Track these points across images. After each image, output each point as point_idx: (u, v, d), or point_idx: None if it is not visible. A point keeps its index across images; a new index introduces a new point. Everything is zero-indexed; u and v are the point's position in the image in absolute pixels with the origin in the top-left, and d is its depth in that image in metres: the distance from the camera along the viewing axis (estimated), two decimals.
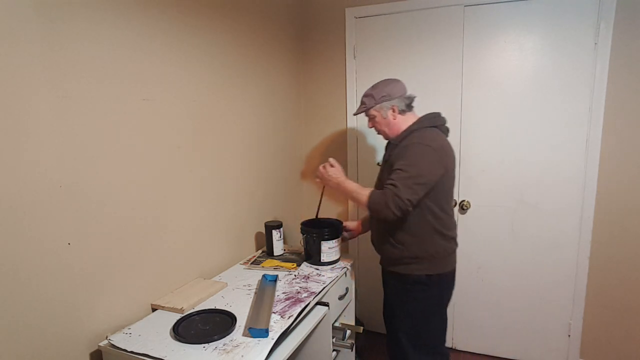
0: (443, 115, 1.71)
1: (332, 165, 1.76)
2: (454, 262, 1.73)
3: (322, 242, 1.87)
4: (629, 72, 1.98)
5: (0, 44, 1.03)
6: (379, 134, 1.76)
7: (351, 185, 1.67)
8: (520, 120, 2.19)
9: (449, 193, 1.68)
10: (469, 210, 2.38)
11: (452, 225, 1.71)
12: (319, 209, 2.02)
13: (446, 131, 1.72)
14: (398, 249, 1.67)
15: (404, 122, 1.67)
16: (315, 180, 1.72)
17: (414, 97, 1.71)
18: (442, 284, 1.70)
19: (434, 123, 1.66)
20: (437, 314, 1.74)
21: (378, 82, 1.71)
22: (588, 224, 2.16)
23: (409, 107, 1.69)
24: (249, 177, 2.11)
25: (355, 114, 1.79)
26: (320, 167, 1.78)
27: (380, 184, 1.67)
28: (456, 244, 1.73)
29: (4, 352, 1.09)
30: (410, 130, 1.63)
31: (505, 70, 2.18)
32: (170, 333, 1.34)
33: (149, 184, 1.51)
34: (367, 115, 1.73)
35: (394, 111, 1.66)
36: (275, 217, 2.38)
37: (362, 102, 1.72)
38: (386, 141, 1.79)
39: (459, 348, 2.56)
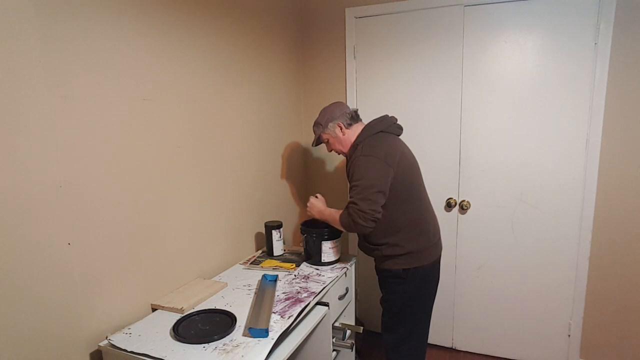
0: (390, 115, 1.83)
1: (316, 197, 1.92)
2: (433, 255, 1.78)
3: (322, 242, 1.88)
4: (629, 72, 1.98)
5: (0, 44, 1.04)
6: (339, 154, 1.89)
7: (329, 212, 1.80)
8: (520, 120, 2.19)
9: (414, 188, 1.73)
10: (469, 210, 2.38)
11: (428, 220, 1.76)
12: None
13: (396, 130, 1.81)
14: (378, 250, 1.76)
15: (353, 134, 1.79)
16: (307, 212, 1.92)
17: (356, 109, 1.85)
18: (419, 277, 1.75)
19: (379, 128, 1.75)
20: (417, 306, 1.78)
21: (321, 111, 1.87)
22: (588, 224, 2.16)
23: (354, 119, 1.82)
24: (249, 177, 2.12)
25: (313, 146, 1.94)
26: (310, 198, 1.92)
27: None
28: (434, 237, 1.78)
29: (4, 352, 1.09)
30: (355, 144, 1.75)
31: (506, 70, 2.18)
32: (170, 333, 1.34)
33: (149, 184, 1.51)
34: (322, 141, 1.89)
35: (341, 128, 1.79)
36: (275, 218, 2.38)
37: (314, 132, 1.89)
38: None
39: (459, 348, 2.56)
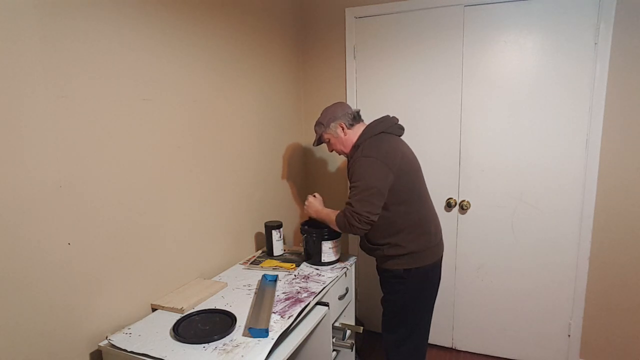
0: (392, 116, 1.82)
1: (314, 196, 1.92)
2: (435, 255, 1.78)
3: (322, 242, 1.88)
4: (629, 72, 1.98)
5: (0, 43, 1.04)
6: (340, 154, 1.89)
7: (325, 212, 1.81)
8: (520, 120, 2.19)
9: (415, 189, 1.73)
10: (469, 210, 2.38)
11: (429, 220, 1.76)
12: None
13: (397, 130, 1.80)
14: (379, 250, 1.76)
15: (355, 134, 1.79)
16: (304, 211, 1.94)
17: (358, 110, 1.86)
18: (420, 278, 1.75)
19: (380, 129, 1.75)
20: (418, 306, 1.79)
21: (323, 111, 1.87)
22: (588, 224, 2.16)
23: (356, 119, 1.82)
24: (248, 177, 2.12)
25: (314, 145, 1.92)
26: (308, 197, 1.93)
27: None
28: (436, 237, 1.78)
29: (5, 352, 1.09)
30: (357, 145, 1.75)
31: (505, 70, 2.18)
32: (170, 333, 1.34)
33: (149, 184, 1.51)
34: (323, 141, 1.89)
35: (342, 128, 1.79)
36: (275, 218, 2.38)
37: (315, 132, 1.88)
38: None
39: (459, 348, 2.56)
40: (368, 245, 1.81)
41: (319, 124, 1.85)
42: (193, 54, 1.68)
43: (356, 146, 1.75)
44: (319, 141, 1.89)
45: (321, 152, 2.70)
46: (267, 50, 2.22)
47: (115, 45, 1.34)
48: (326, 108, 1.85)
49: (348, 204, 1.64)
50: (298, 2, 2.53)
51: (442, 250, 1.83)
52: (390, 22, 2.36)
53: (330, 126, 1.80)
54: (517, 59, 2.15)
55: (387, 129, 1.75)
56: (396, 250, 1.71)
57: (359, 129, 1.78)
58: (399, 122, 1.82)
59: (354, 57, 2.48)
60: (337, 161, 2.67)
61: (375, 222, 1.63)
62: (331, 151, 1.90)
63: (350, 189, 1.66)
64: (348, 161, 1.81)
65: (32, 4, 1.10)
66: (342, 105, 1.84)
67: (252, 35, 2.07)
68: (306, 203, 1.91)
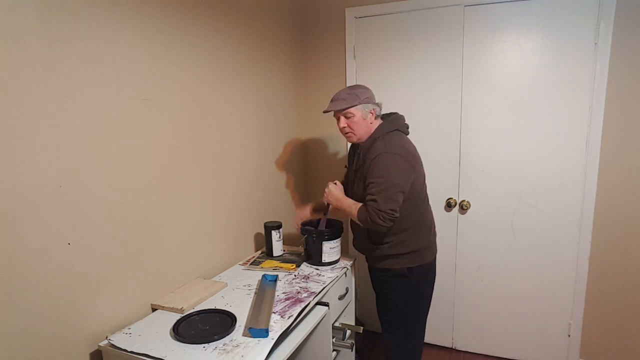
0: (401, 114, 1.81)
1: (335, 184, 1.85)
2: (433, 253, 1.81)
3: (323, 242, 1.87)
4: (629, 72, 1.98)
5: (0, 43, 1.04)
6: (346, 134, 1.73)
7: (347, 203, 1.75)
8: (520, 121, 2.19)
9: (421, 190, 1.75)
10: (468, 210, 2.38)
11: (429, 218, 1.79)
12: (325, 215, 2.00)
13: (405, 129, 1.80)
14: (380, 249, 1.76)
15: (374, 126, 1.73)
16: (324, 197, 1.87)
17: (381, 104, 1.79)
18: (422, 276, 1.77)
19: (395, 127, 1.73)
20: (417, 304, 1.80)
21: (355, 85, 1.72)
22: (588, 224, 2.16)
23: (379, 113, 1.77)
24: (248, 177, 2.12)
25: (337, 110, 1.68)
26: (329, 184, 1.85)
27: (351, 191, 1.79)
28: (433, 236, 1.81)
29: (4, 352, 1.09)
30: (374, 138, 1.69)
31: (505, 70, 2.18)
32: (170, 333, 1.34)
33: (149, 184, 1.51)
34: (343, 113, 1.68)
35: (372, 114, 1.71)
36: (275, 218, 2.38)
37: (343, 99, 1.66)
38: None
39: (459, 348, 2.56)
40: (368, 244, 1.80)
41: (353, 95, 1.65)
42: (193, 54, 1.68)
43: (373, 139, 1.69)
44: (345, 108, 1.66)
45: (321, 152, 2.70)
46: (267, 50, 2.22)
47: (115, 45, 1.34)
48: (360, 85, 1.72)
49: (373, 200, 1.58)
50: (298, 2, 2.53)
51: (437, 248, 1.86)
52: (390, 22, 2.36)
53: (366, 105, 1.67)
54: (517, 59, 2.15)
55: (401, 128, 1.75)
56: (398, 249, 1.71)
57: (377, 122, 1.74)
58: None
59: (354, 57, 2.48)
60: (337, 161, 2.67)
61: (397, 217, 1.60)
62: (342, 128, 1.71)
63: (371, 184, 1.60)
64: (360, 151, 1.72)
65: (33, 4, 1.10)
66: (373, 93, 1.73)
67: (252, 35, 2.07)
68: (326, 190, 1.82)
